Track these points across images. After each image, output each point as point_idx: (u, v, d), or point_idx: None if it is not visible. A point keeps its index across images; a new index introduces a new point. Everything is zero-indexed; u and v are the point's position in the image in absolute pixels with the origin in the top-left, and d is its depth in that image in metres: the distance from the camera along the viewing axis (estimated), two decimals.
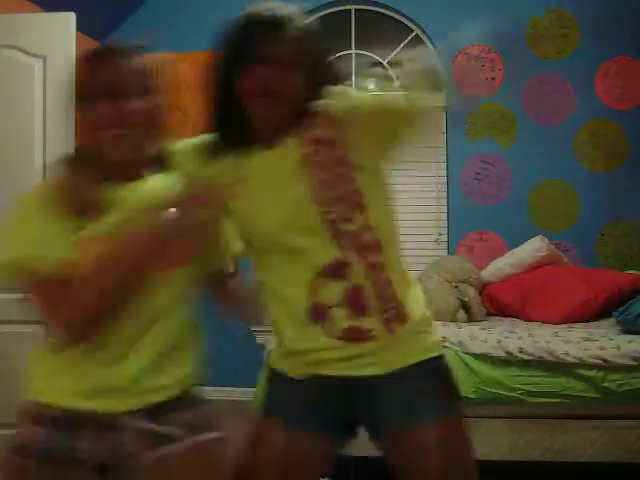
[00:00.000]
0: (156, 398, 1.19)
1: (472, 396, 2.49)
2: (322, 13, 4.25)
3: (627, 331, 2.64)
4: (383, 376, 1.22)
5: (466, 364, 2.52)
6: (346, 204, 1.21)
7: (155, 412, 1.19)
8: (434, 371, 1.27)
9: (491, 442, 2.50)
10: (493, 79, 4.02)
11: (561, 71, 3.96)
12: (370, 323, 1.20)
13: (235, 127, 1.26)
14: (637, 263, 3.76)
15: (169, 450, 1.17)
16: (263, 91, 1.19)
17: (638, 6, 3.88)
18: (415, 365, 1.23)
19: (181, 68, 5.08)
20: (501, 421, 2.52)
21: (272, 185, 1.24)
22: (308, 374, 1.25)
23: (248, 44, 1.21)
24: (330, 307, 1.20)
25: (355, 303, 1.20)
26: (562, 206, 3.95)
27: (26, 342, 2.78)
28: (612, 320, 2.83)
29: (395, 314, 1.23)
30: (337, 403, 1.26)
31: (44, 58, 2.84)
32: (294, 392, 1.28)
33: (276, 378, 1.33)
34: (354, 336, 1.20)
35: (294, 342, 1.25)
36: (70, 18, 2.85)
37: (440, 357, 1.29)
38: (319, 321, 1.20)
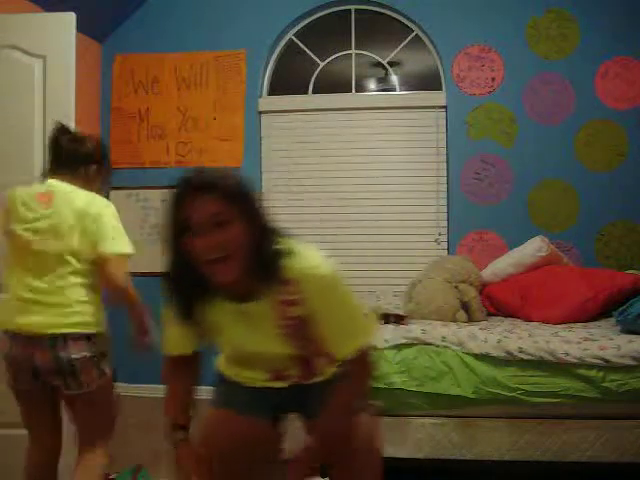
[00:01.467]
0: None
1: (472, 396, 2.49)
2: (322, 13, 4.25)
3: (627, 331, 2.63)
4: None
5: (466, 364, 2.52)
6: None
7: None
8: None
9: (491, 442, 2.50)
10: (493, 79, 4.03)
11: (561, 71, 3.96)
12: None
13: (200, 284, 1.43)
14: (637, 263, 3.76)
15: None
16: (207, 260, 1.33)
17: (638, 6, 3.88)
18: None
19: (181, 68, 5.10)
20: (501, 421, 2.52)
21: (247, 329, 1.49)
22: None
23: (180, 218, 1.34)
24: (288, 375, 1.58)
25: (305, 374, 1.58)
26: (562, 206, 3.96)
27: None
28: (612, 320, 2.82)
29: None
30: (279, 398, 1.62)
31: (44, 58, 2.83)
32: (243, 390, 1.62)
33: (227, 380, 1.66)
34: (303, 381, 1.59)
35: (248, 381, 1.62)
36: (70, 18, 2.85)
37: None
38: (276, 380, 1.59)
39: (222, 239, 1.32)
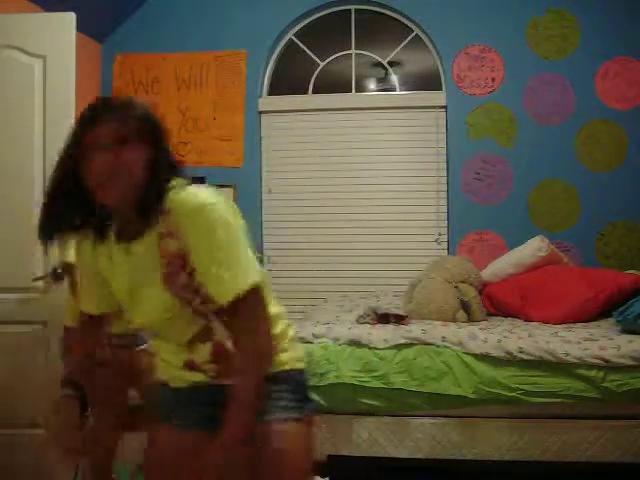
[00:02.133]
0: None
1: (472, 396, 2.48)
2: (322, 13, 4.25)
3: (627, 331, 2.63)
4: None
5: (466, 364, 2.52)
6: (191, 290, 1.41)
7: None
8: (285, 380, 1.51)
9: (491, 442, 2.50)
10: (493, 79, 4.03)
11: (561, 71, 3.96)
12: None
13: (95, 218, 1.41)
14: (637, 263, 3.76)
15: None
16: (99, 175, 1.31)
17: (638, 6, 3.88)
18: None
19: (181, 68, 5.10)
20: (501, 421, 2.52)
21: (133, 273, 1.43)
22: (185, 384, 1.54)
23: (78, 134, 1.33)
24: (201, 363, 1.47)
25: (218, 358, 1.46)
26: (562, 206, 3.96)
27: (26, 342, 2.78)
28: (612, 320, 2.82)
29: None
30: (207, 400, 1.49)
31: (44, 58, 2.83)
32: (173, 396, 1.55)
33: (162, 387, 1.59)
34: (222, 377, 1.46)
35: (172, 378, 1.54)
36: (70, 18, 2.84)
37: (291, 370, 1.52)
38: (193, 370, 1.49)
39: (118, 157, 1.31)
